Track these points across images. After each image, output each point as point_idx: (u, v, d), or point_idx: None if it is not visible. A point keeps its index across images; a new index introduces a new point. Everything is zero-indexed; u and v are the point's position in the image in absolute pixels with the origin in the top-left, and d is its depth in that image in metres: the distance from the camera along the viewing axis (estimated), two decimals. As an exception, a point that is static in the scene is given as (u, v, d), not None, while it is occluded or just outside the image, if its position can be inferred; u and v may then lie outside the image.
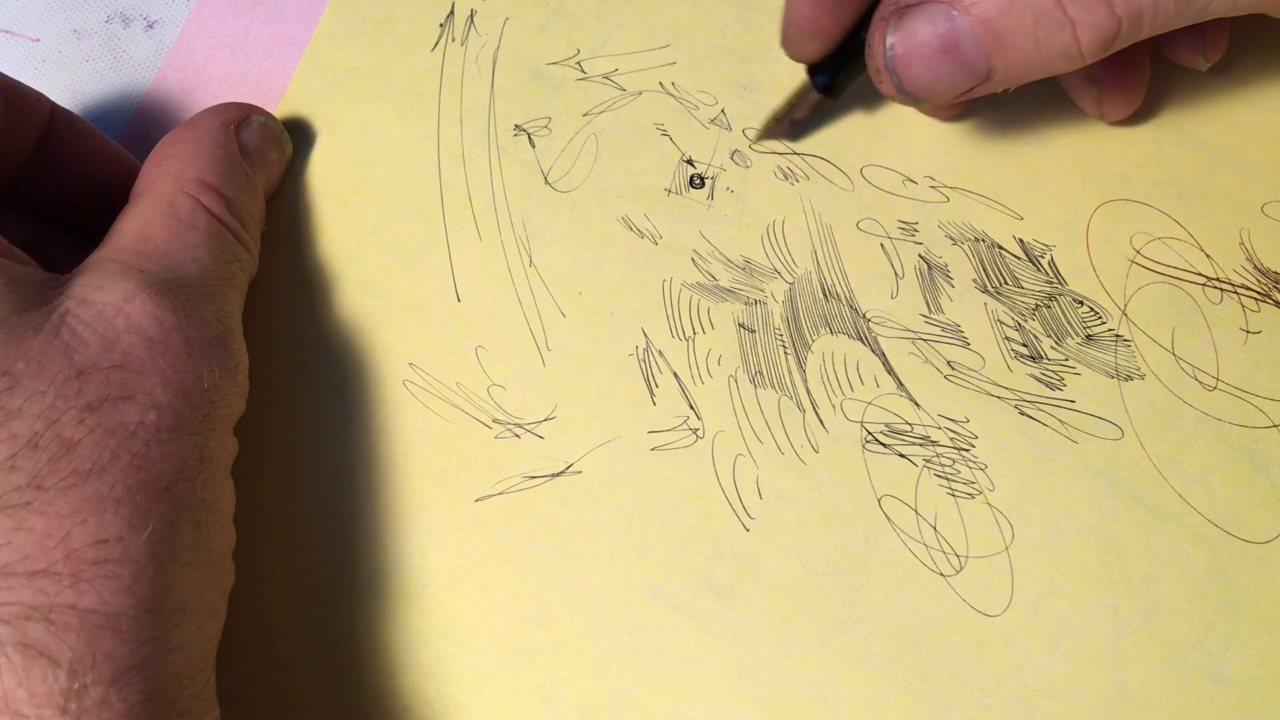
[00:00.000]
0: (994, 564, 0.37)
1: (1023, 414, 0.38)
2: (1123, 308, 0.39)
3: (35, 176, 0.38)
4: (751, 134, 0.42)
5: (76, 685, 0.27)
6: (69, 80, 0.45)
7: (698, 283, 0.40)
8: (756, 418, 0.39)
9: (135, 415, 0.30)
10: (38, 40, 0.46)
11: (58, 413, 0.29)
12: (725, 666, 0.36)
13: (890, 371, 0.39)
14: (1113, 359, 0.38)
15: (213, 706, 0.30)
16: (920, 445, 0.38)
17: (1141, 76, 0.39)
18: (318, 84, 0.43)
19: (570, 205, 0.41)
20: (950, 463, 0.38)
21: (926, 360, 0.39)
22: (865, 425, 0.38)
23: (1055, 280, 0.39)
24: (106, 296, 0.31)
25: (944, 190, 0.41)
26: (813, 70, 0.39)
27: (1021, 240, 0.40)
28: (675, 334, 0.40)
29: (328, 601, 0.37)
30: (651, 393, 0.39)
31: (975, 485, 0.37)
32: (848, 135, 0.42)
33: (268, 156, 0.40)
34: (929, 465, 0.38)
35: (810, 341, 0.39)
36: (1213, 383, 0.38)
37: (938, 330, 0.39)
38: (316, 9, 0.45)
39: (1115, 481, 0.37)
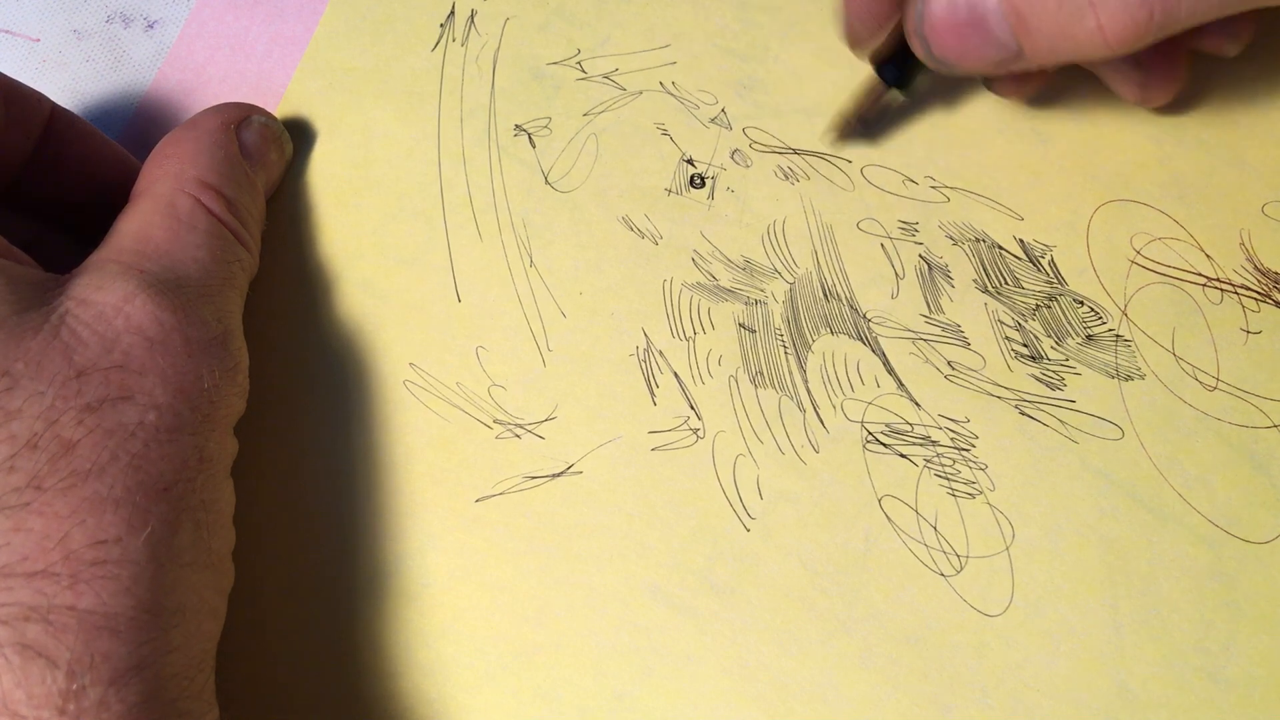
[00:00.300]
0: (994, 564, 0.37)
1: (1023, 414, 0.38)
2: (1123, 308, 0.39)
3: (35, 176, 0.38)
4: (753, 133, 0.42)
5: (75, 686, 0.27)
6: (69, 80, 0.45)
7: (698, 283, 0.40)
8: (757, 418, 0.39)
9: (135, 416, 0.30)
10: (38, 40, 0.46)
11: (57, 413, 0.29)
12: (725, 666, 0.36)
13: (891, 371, 0.39)
14: (1113, 359, 0.38)
15: (212, 707, 0.30)
16: (921, 445, 0.38)
17: (1183, 60, 0.39)
18: (318, 84, 0.43)
19: (570, 205, 0.41)
20: (951, 463, 0.38)
21: (927, 360, 0.39)
22: (866, 425, 0.38)
23: (1055, 280, 0.39)
24: (106, 297, 0.31)
25: (944, 190, 0.41)
26: (878, 64, 0.39)
27: (1022, 240, 0.40)
28: (675, 334, 0.40)
29: (328, 601, 0.37)
30: (652, 393, 0.39)
31: (976, 485, 0.37)
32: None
33: (268, 157, 0.40)
34: (929, 465, 0.38)
35: (811, 341, 0.39)
36: (1213, 383, 0.38)
37: (938, 330, 0.39)
38: (316, 9, 0.45)
39: (1115, 481, 0.37)
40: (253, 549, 0.37)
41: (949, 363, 0.39)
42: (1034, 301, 0.39)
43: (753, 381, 0.39)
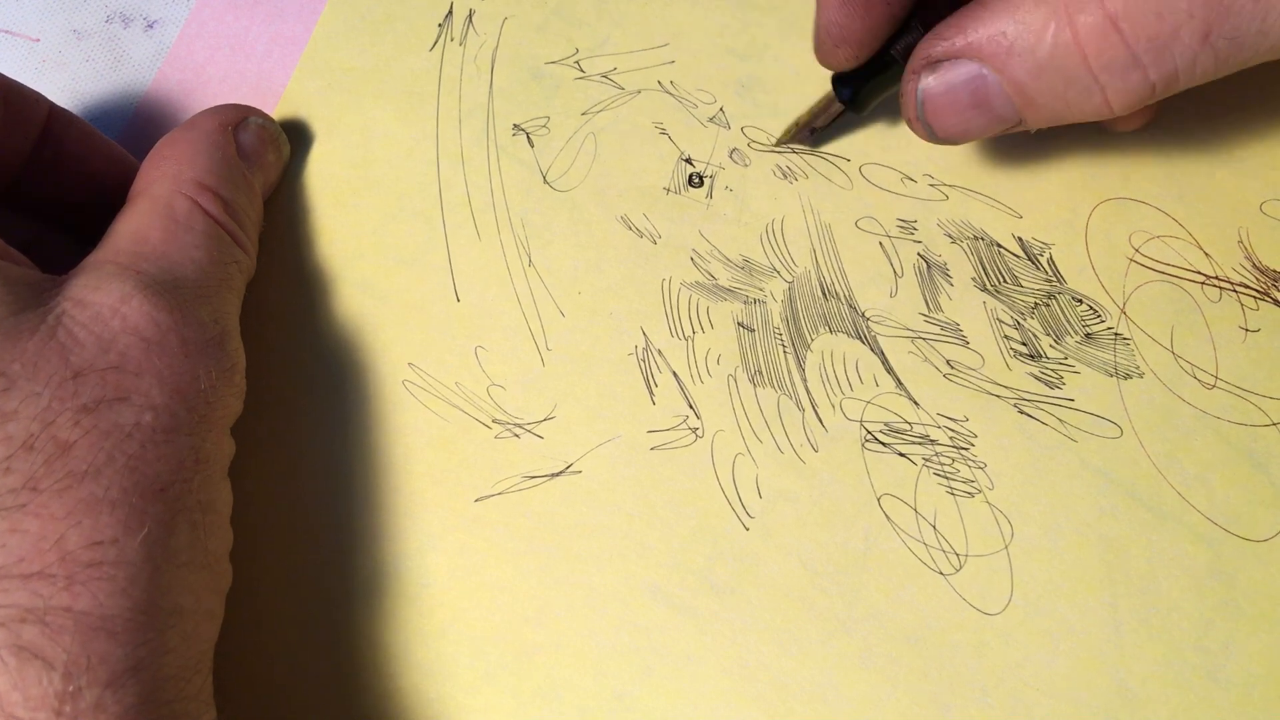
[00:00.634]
0: (993, 563, 0.37)
1: (1022, 413, 0.38)
2: (1122, 306, 0.39)
3: (34, 177, 0.38)
4: (751, 133, 0.42)
5: (71, 688, 0.27)
6: (69, 80, 0.45)
7: (697, 282, 0.40)
8: (756, 417, 0.39)
9: (131, 416, 0.30)
10: (38, 40, 0.46)
11: (53, 414, 0.29)
12: (725, 666, 0.36)
13: (889, 370, 0.39)
14: (1112, 357, 0.38)
15: (209, 708, 0.30)
16: (920, 444, 0.38)
17: None
18: (317, 84, 0.43)
19: (569, 205, 0.41)
20: (950, 461, 0.38)
21: (926, 359, 0.39)
22: (865, 424, 0.38)
23: (1054, 279, 0.39)
24: (103, 298, 0.31)
25: (943, 189, 0.41)
26: (837, 81, 0.39)
27: (1020, 239, 0.40)
28: (674, 333, 0.40)
29: (327, 602, 0.37)
30: (651, 392, 0.39)
31: (975, 484, 0.37)
32: (847, 134, 0.42)
33: (265, 158, 0.40)
34: (928, 464, 0.38)
35: (809, 340, 0.39)
36: (1212, 381, 0.38)
37: (937, 329, 0.39)
38: (316, 9, 0.45)
39: (1114, 480, 0.37)
40: (251, 550, 0.37)
41: (948, 361, 0.39)
42: (1033, 300, 0.39)
43: (751, 381, 0.39)
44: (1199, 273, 0.39)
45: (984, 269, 0.40)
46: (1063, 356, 0.38)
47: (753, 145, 0.42)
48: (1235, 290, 0.39)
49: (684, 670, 0.36)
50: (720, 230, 0.41)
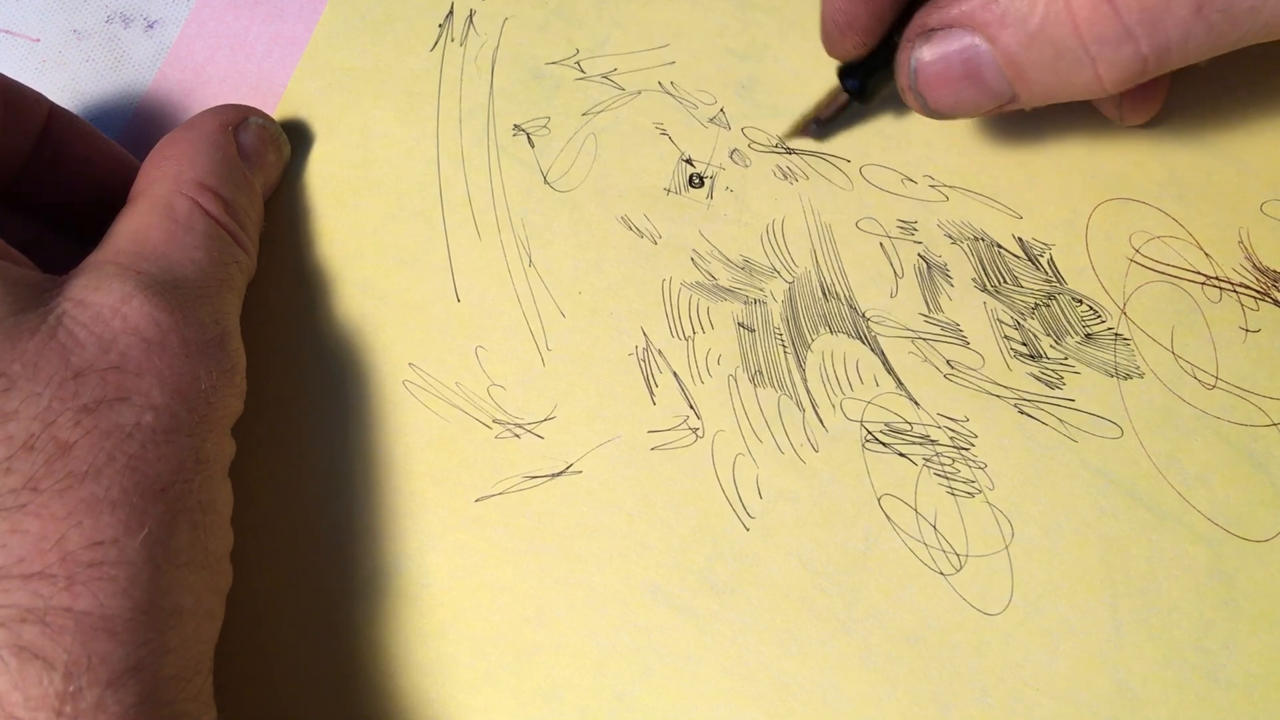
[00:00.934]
0: (994, 563, 0.37)
1: (1022, 413, 0.38)
2: (1122, 306, 0.39)
3: (34, 177, 0.38)
4: (752, 133, 0.42)
5: (72, 688, 0.27)
6: (69, 80, 0.45)
7: (697, 282, 0.40)
8: (756, 417, 0.39)
9: (132, 417, 0.30)
10: (38, 40, 0.46)
11: (54, 414, 0.29)
12: (725, 666, 0.36)
13: (890, 370, 0.39)
14: (1112, 358, 0.38)
15: (210, 709, 0.30)
16: (920, 444, 0.38)
17: (1162, 83, 0.39)
18: (317, 84, 0.43)
19: (570, 205, 0.41)
20: (950, 461, 0.38)
21: (926, 359, 0.39)
22: (865, 424, 0.38)
23: (1054, 279, 0.39)
24: (103, 298, 0.31)
25: (943, 189, 0.41)
26: (844, 73, 0.40)
27: (1021, 239, 0.40)
28: (675, 333, 0.40)
29: (327, 602, 0.37)
30: (651, 392, 0.39)
31: (975, 484, 0.37)
32: (847, 134, 0.42)
33: (265, 158, 0.40)
34: (929, 464, 0.38)
35: (810, 341, 0.39)
36: (1212, 381, 0.38)
37: (937, 329, 0.39)
38: (316, 9, 0.45)
39: (1115, 480, 0.37)
40: (251, 550, 0.37)
41: (948, 361, 0.39)
42: (1033, 300, 0.39)
43: (752, 381, 0.39)
44: (1199, 273, 0.39)
45: (984, 269, 0.40)
46: (1063, 357, 0.38)
47: (753, 146, 0.42)
48: (1235, 290, 0.39)
49: (684, 670, 0.36)
50: (721, 230, 0.41)
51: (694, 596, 0.37)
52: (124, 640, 0.28)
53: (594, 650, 0.37)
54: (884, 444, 0.38)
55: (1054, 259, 0.40)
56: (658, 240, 0.41)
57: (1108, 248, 0.40)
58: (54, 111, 0.39)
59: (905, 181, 0.41)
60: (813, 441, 0.38)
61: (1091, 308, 0.39)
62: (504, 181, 0.42)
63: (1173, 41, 0.32)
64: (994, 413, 0.38)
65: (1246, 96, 0.41)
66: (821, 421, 0.38)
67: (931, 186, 0.41)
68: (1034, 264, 0.40)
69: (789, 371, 0.39)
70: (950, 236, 0.40)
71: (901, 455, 0.38)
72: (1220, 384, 0.38)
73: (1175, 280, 0.39)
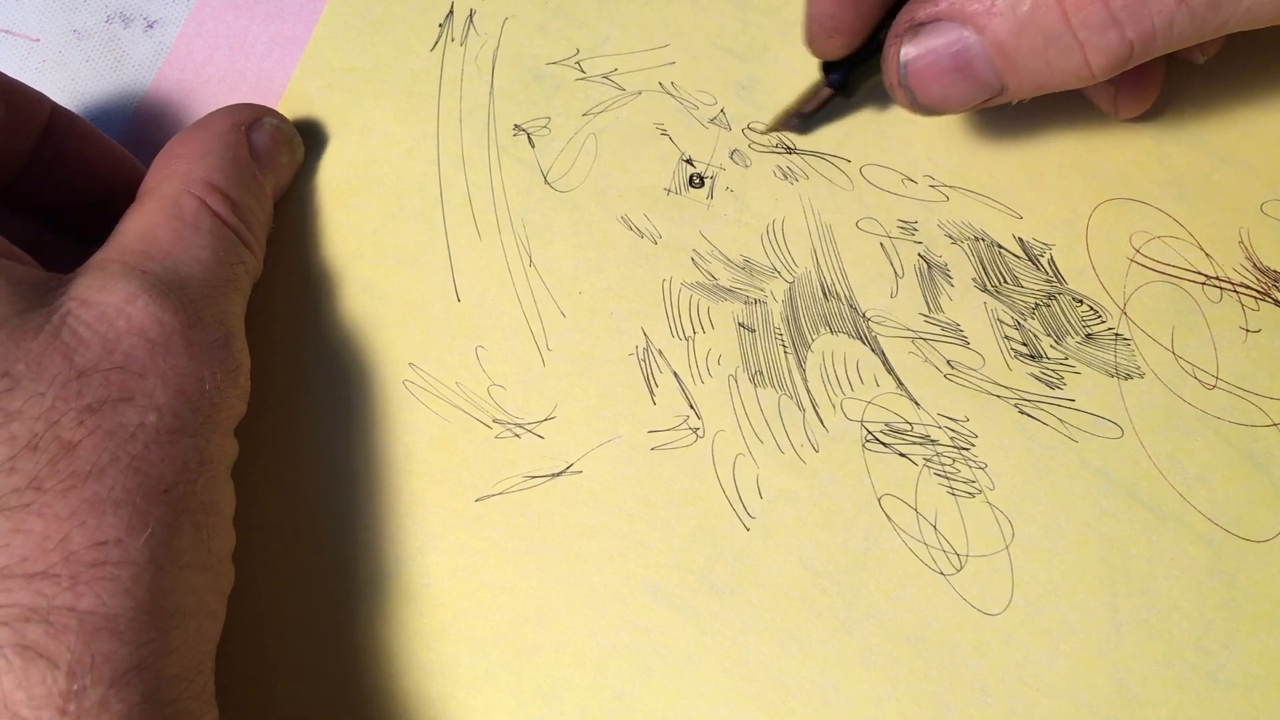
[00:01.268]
0: (994, 563, 0.37)
1: (1022, 413, 0.38)
2: (1122, 306, 0.39)
3: (35, 176, 0.38)
4: (752, 133, 0.42)
5: (75, 687, 0.27)
6: (69, 80, 0.45)
7: (697, 282, 0.40)
8: (756, 417, 0.39)
9: (135, 417, 0.30)
10: (38, 40, 0.46)
11: (57, 414, 0.29)
12: (725, 666, 0.36)
13: (890, 370, 0.39)
14: (1112, 358, 0.38)
15: (211, 708, 0.30)
16: (920, 444, 0.38)
17: (1157, 74, 0.39)
18: (317, 84, 0.43)
19: (570, 205, 0.41)
20: (950, 462, 0.38)
21: (926, 359, 0.39)
22: (865, 424, 0.38)
23: (1055, 279, 0.39)
24: (108, 297, 0.31)
25: (943, 189, 0.41)
26: (827, 67, 0.40)
27: (1021, 239, 0.40)
28: (675, 333, 0.40)
29: (328, 602, 0.37)
30: (651, 392, 0.39)
31: (975, 484, 0.37)
32: (847, 134, 0.42)
33: (278, 159, 0.40)
34: (929, 464, 0.38)
35: (810, 341, 0.39)
36: (1212, 381, 0.38)
37: (937, 329, 0.39)
38: (316, 9, 0.45)
39: (1115, 480, 0.37)
40: (253, 550, 0.37)
41: (948, 362, 0.39)
42: (1033, 300, 0.39)
43: (752, 381, 0.39)
44: (1199, 273, 0.39)
45: (984, 269, 0.40)
46: (1063, 357, 0.39)
47: (753, 146, 0.42)
48: (1236, 290, 0.39)
49: (684, 670, 0.36)
50: (721, 230, 0.41)
51: (694, 596, 0.37)
52: (127, 640, 0.28)
53: (594, 650, 0.37)
54: (884, 444, 0.38)
55: (1054, 259, 0.40)
56: (658, 240, 0.41)
57: (1108, 248, 0.40)
58: (55, 111, 0.38)
59: (905, 181, 0.41)
60: (813, 441, 0.38)
61: (1092, 308, 0.39)
62: (504, 181, 0.42)
63: (1157, 27, 0.32)
64: (994, 413, 0.38)
65: (1247, 96, 0.41)
66: (822, 421, 0.38)
67: (932, 186, 0.41)
68: (1034, 264, 0.40)
69: (789, 371, 0.39)
70: (950, 236, 0.40)
71: (902, 455, 0.38)
72: (1220, 384, 0.38)
73: (1176, 280, 0.39)
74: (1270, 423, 0.37)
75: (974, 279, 0.40)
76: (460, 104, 0.43)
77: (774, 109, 0.42)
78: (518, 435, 0.39)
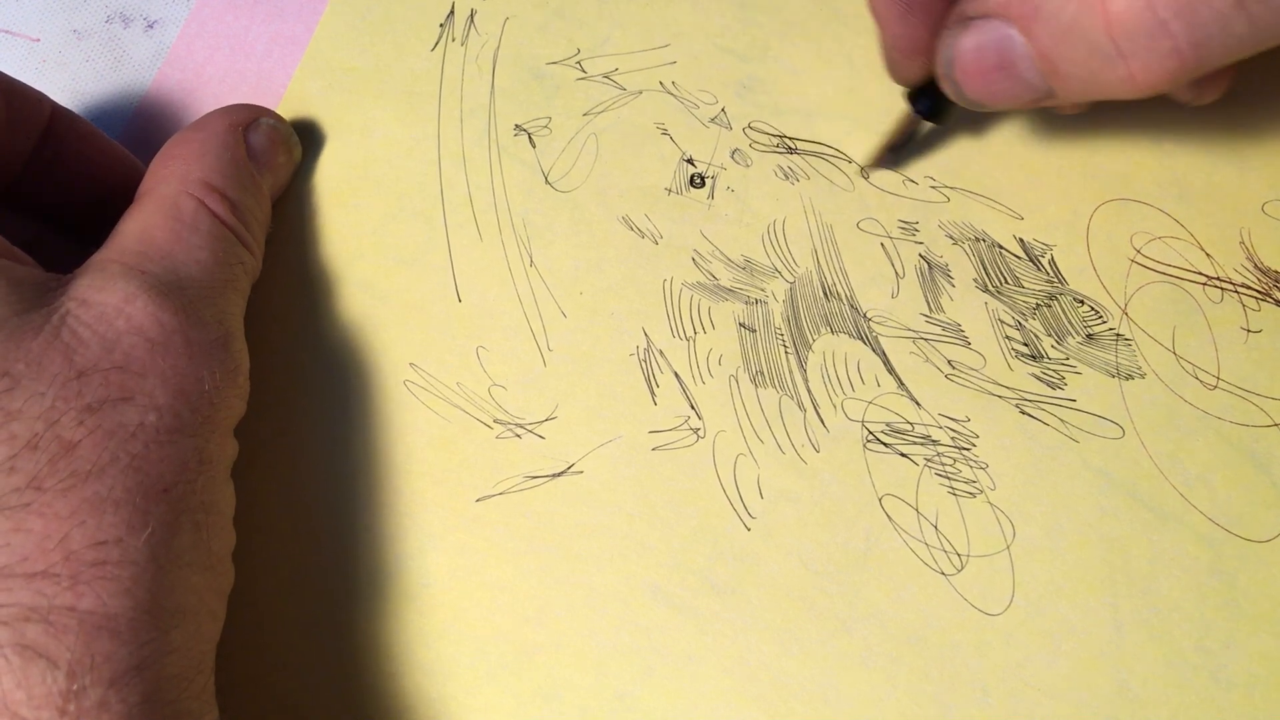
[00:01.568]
0: (995, 563, 0.37)
1: (1024, 413, 0.38)
2: (1123, 307, 0.39)
3: (35, 176, 0.38)
4: (753, 134, 0.42)
5: (75, 687, 0.27)
6: (69, 80, 0.45)
7: (698, 282, 0.40)
8: (757, 417, 0.39)
9: (135, 417, 0.30)
10: (38, 40, 0.45)
11: (57, 414, 0.29)
12: (726, 666, 0.36)
13: (891, 371, 0.39)
14: (1113, 358, 0.38)
15: (212, 708, 0.30)
16: (921, 444, 0.38)
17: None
18: (318, 84, 0.43)
19: (570, 205, 0.41)
20: (951, 462, 0.38)
21: (927, 359, 0.39)
22: (866, 424, 0.38)
23: (1056, 279, 0.39)
24: (107, 297, 0.31)
25: (944, 190, 0.41)
26: (913, 97, 0.39)
27: (1022, 240, 0.40)
28: (676, 334, 0.40)
29: (328, 602, 0.37)
30: (652, 392, 0.39)
31: (976, 484, 0.37)
32: (848, 135, 0.42)
33: (275, 159, 0.40)
34: (930, 464, 0.38)
35: (811, 341, 0.39)
36: (1213, 381, 0.38)
37: (938, 329, 0.39)
38: (316, 9, 0.45)
39: (1116, 480, 0.37)
40: (253, 550, 0.37)
41: (949, 362, 0.39)
42: (1034, 300, 0.39)
43: (753, 381, 0.39)
44: (1200, 273, 0.39)
45: (985, 270, 0.40)
46: (1064, 357, 0.39)
47: (754, 146, 0.42)
48: (1237, 291, 0.39)
49: (685, 670, 0.36)
50: (722, 230, 0.41)
51: (694, 596, 0.37)
52: (127, 640, 0.28)
53: (594, 650, 0.37)
54: (885, 444, 0.38)
55: (1055, 259, 0.40)
56: (659, 240, 0.41)
57: (1109, 248, 0.40)
58: (56, 111, 0.38)
59: (906, 182, 0.41)
60: (814, 442, 0.38)
61: (1093, 308, 0.39)
62: (505, 181, 0.42)
63: (1212, 35, 0.30)
64: (995, 413, 0.38)
65: (1247, 96, 0.41)
66: (823, 422, 0.38)
67: (933, 187, 0.41)
68: (1035, 264, 0.40)
69: (790, 372, 0.39)
70: (951, 237, 0.40)
71: (903, 455, 0.38)
72: (1221, 384, 0.38)
73: (1176, 281, 0.39)
74: (1271, 423, 0.37)
75: (975, 279, 0.40)
76: (461, 104, 0.43)
77: (775, 109, 0.42)
78: (518, 435, 0.39)
